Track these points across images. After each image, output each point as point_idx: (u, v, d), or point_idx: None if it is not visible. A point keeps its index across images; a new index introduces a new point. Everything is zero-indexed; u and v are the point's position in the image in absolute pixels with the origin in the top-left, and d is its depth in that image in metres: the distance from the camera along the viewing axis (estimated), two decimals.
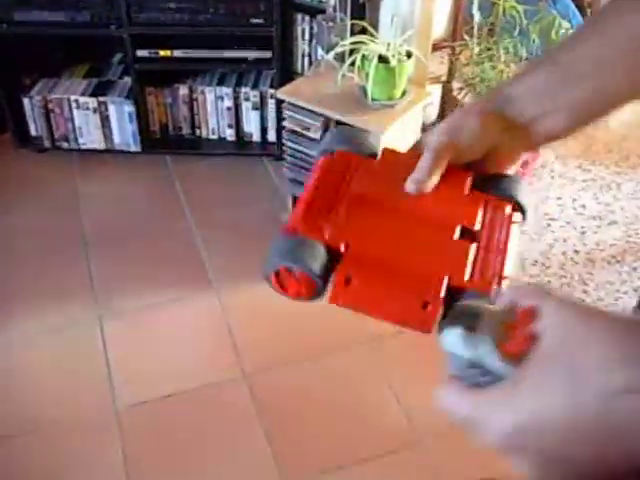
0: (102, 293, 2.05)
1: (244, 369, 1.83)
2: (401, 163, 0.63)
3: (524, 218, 0.65)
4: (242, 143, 2.55)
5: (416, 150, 0.63)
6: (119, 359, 1.87)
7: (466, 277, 0.57)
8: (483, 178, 0.64)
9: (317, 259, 0.57)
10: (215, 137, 2.57)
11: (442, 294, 0.56)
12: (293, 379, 1.81)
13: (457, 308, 0.52)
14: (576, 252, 2.19)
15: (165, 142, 2.58)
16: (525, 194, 0.65)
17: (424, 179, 0.60)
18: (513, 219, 0.63)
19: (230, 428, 1.71)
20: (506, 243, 0.61)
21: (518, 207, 0.64)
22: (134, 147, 2.53)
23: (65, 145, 2.56)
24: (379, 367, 1.85)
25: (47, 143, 2.57)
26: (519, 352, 0.44)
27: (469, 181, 0.63)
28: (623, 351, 0.38)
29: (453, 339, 0.48)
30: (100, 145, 2.55)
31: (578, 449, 0.39)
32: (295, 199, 2.13)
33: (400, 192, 0.62)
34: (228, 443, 1.68)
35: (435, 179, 0.60)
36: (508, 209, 0.63)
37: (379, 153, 0.67)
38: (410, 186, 0.61)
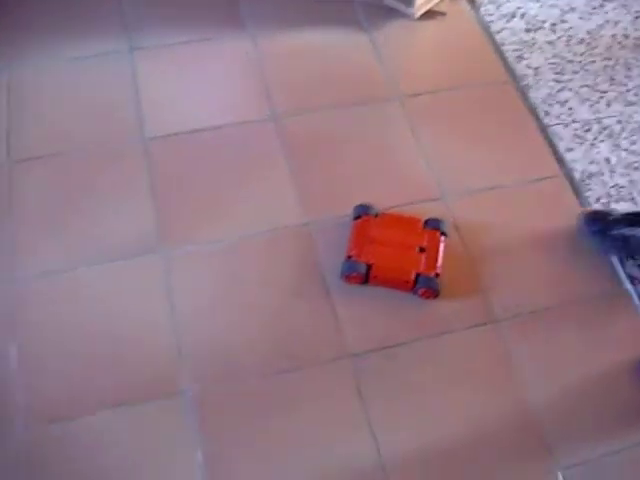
0: (133, 29, 2.00)
1: (275, 111, 1.83)
2: (391, 219, 1.61)
3: (446, 236, 1.59)
4: None
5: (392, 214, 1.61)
6: (149, 92, 1.86)
7: (421, 270, 1.53)
8: (426, 220, 1.61)
9: (362, 269, 1.53)
10: None
11: (413, 277, 1.52)
12: (323, 124, 1.81)
13: None
14: (625, 36, 2.09)
15: None
16: (445, 227, 1.60)
17: None
18: (441, 239, 1.58)
19: (256, 164, 1.74)
20: (437, 251, 1.56)
21: (442, 233, 1.59)
22: None
23: None
24: (409, 122, 1.83)
25: None
26: None
27: (421, 223, 1.60)
28: None
29: None
30: None
31: None
32: None
33: (391, 233, 1.58)
34: (255, 178, 1.72)
35: None
36: (438, 235, 1.58)
37: (380, 214, 1.62)
38: None
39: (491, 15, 2.08)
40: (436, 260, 1.55)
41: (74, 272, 1.57)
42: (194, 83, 1.89)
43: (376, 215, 1.62)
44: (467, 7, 2.10)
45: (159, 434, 1.39)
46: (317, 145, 1.78)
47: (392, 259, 1.55)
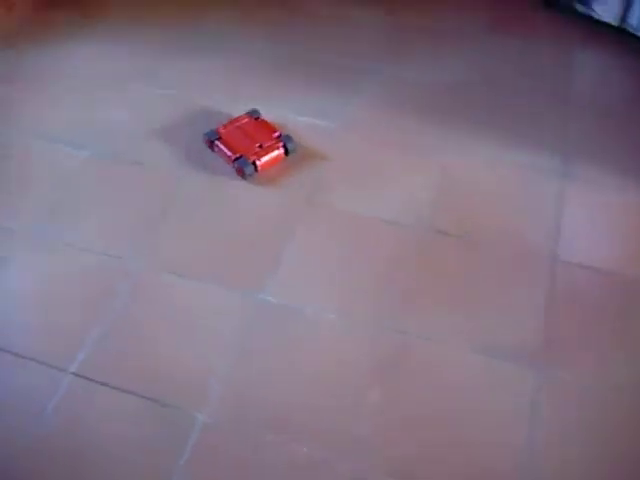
0: (571, 154, 2.07)
1: None
2: (258, 123, 2.16)
3: (287, 151, 2.08)
4: None
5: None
6: (571, 217, 1.90)
7: (246, 155, 2.04)
8: (282, 134, 2.12)
9: (213, 136, 2.12)
10: None
11: (235, 156, 2.05)
12: None
13: None
14: None
15: None
16: (291, 145, 2.08)
17: None
18: (279, 148, 2.07)
19: None
20: (270, 152, 2.06)
21: (285, 146, 2.08)
22: None
23: (580, 9, 2.52)
24: None
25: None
26: None
27: (276, 134, 2.11)
28: None
29: None
30: (614, 20, 2.46)
31: None
32: None
33: (252, 129, 2.13)
34: None
35: None
36: (281, 145, 2.08)
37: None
38: None
39: None
40: (263, 156, 2.04)
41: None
42: (611, 224, 1.89)
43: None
44: None
45: None
46: None
47: (236, 141, 2.08)
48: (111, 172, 2.08)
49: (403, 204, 1.94)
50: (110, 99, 2.32)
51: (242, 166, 2.01)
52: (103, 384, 1.56)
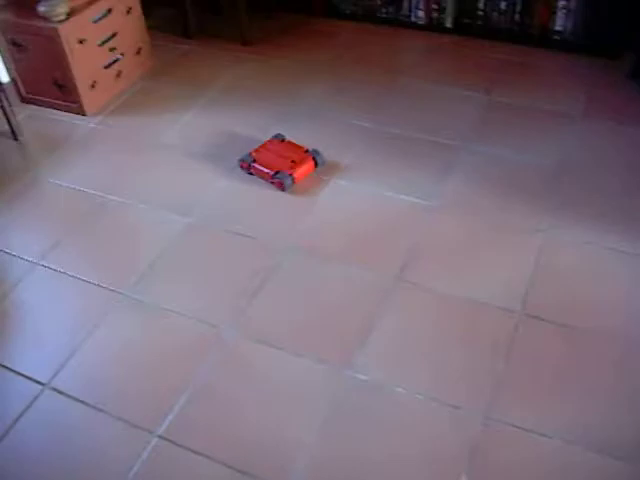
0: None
1: None
2: (284, 143, 2.41)
3: (316, 163, 2.34)
4: None
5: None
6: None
7: (283, 169, 2.29)
8: (308, 149, 2.38)
9: (249, 160, 2.35)
10: None
11: (272, 172, 2.28)
12: None
13: None
14: None
15: None
16: (320, 158, 2.34)
17: None
18: (310, 160, 2.33)
19: None
20: (303, 165, 2.30)
21: (314, 159, 2.34)
22: None
23: None
24: None
25: None
26: None
27: (303, 149, 2.36)
28: None
29: None
30: None
31: None
32: None
33: (280, 149, 2.37)
34: None
35: None
36: (311, 158, 2.33)
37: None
38: None
39: None
40: (297, 169, 2.27)
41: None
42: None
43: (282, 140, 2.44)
44: None
45: None
46: None
47: (269, 161, 2.31)
48: (211, 239, 2.11)
49: (497, 286, 1.90)
50: (211, 168, 2.38)
51: (282, 179, 2.24)
52: (188, 449, 1.56)
